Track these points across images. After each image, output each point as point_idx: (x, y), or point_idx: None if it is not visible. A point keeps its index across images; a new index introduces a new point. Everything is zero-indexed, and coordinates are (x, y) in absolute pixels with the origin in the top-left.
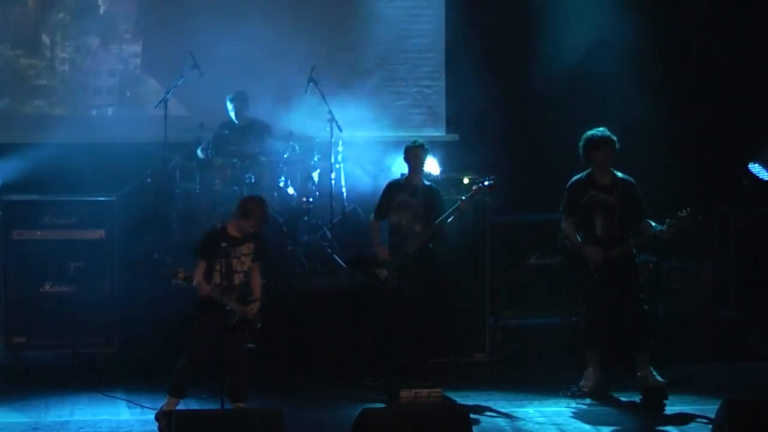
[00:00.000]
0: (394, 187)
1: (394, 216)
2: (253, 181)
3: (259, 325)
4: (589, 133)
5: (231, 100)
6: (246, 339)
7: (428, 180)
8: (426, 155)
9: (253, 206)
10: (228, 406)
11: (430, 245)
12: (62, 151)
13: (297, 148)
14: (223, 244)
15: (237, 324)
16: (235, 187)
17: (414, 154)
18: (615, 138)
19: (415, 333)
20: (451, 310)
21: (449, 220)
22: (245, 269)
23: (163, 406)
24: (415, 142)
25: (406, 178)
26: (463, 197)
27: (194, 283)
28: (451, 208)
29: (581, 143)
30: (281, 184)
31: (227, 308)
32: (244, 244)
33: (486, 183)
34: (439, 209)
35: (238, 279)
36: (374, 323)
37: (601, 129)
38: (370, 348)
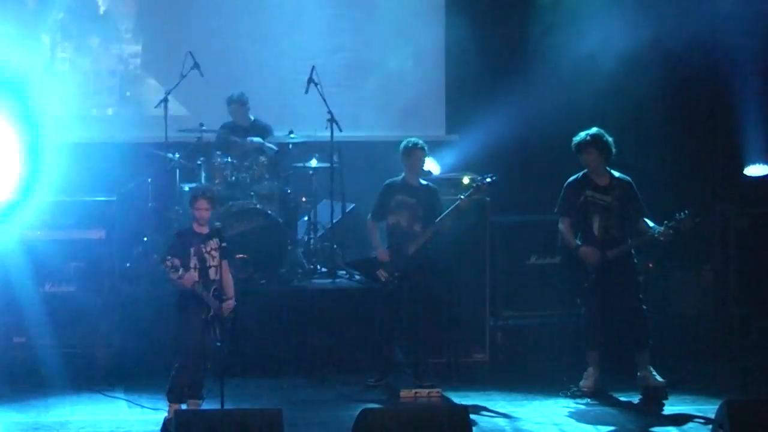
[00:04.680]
0: (391, 187)
1: (393, 217)
2: (252, 181)
3: (230, 325)
4: (576, 137)
5: (228, 103)
6: (216, 336)
7: (425, 180)
8: (425, 156)
9: (191, 196)
10: (184, 404)
11: (430, 245)
12: (62, 151)
13: (297, 148)
14: (193, 240)
15: (210, 319)
16: (235, 187)
17: (415, 156)
18: (603, 139)
19: (416, 333)
20: (452, 310)
21: (449, 219)
22: (215, 264)
23: (167, 415)
24: (415, 144)
25: (403, 178)
26: (463, 196)
27: (179, 274)
28: (449, 207)
29: (572, 147)
30: (281, 184)
31: (205, 302)
32: (211, 239)
33: (486, 180)
34: (438, 209)
35: (212, 274)
36: (375, 325)
37: (587, 133)
38: (377, 347)
